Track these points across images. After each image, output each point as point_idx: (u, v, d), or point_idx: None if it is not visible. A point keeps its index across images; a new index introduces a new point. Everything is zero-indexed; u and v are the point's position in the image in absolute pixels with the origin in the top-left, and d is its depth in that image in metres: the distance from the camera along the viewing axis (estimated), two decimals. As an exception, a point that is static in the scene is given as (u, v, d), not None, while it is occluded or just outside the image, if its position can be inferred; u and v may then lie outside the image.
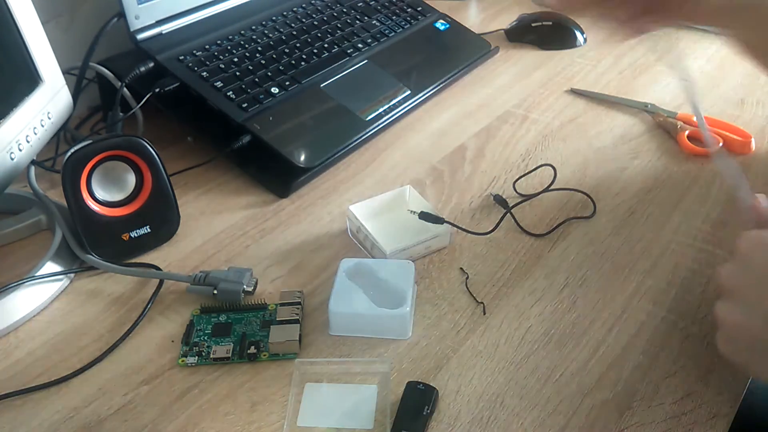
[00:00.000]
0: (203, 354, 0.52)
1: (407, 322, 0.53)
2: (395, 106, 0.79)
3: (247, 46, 0.80)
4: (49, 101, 0.62)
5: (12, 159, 0.56)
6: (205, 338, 0.53)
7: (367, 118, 0.77)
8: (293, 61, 0.80)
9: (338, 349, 0.53)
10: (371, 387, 0.49)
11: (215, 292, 0.56)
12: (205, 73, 0.74)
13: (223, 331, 0.54)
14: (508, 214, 0.64)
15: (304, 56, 0.81)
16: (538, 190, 0.68)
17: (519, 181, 0.69)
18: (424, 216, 0.61)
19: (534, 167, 0.70)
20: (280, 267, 0.61)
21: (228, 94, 0.73)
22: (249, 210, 0.68)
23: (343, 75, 0.81)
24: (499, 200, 0.66)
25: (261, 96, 0.74)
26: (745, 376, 0.50)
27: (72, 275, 0.60)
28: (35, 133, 0.59)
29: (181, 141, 0.76)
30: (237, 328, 0.54)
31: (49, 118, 0.62)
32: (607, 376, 0.50)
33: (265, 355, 0.52)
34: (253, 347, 0.52)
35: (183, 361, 0.52)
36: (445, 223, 0.61)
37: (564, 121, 0.80)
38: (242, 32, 0.82)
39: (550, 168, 0.69)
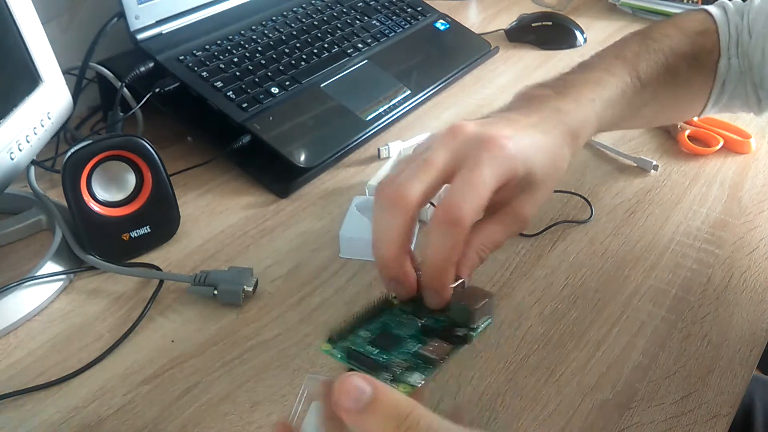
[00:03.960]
0: None
1: None
2: (395, 106, 0.79)
3: (247, 46, 0.80)
4: (49, 101, 0.62)
5: (12, 159, 0.56)
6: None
7: (367, 118, 0.77)
8: (293, 61, 0.80)
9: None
10: None
11: (215, 292, 0.56)
12: (205, 73, 0.74)
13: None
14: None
15: (304, 56, 0.81)
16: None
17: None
18: None
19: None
20: (280, 267, 0.61)
21: (228, 94, 0.73)
22: (249, 210, 0.68)
23: (343, 75, 0.81)
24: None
25: (261, 96, 0.74)
26: (746, 376, 0.50)
27: (72, 275, 0.60)
28: (35, 133, 0.59)
29: (181, 141, 0.76)
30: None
31: (49, 118, 0.61)
32: (607, 376, 0.50)
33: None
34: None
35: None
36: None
37: (564, 121, 0.80)
38: (242, 32, 0.82)
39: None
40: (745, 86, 0.60)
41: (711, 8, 0.61)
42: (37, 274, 0.58)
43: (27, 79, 0.60)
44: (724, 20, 0.60)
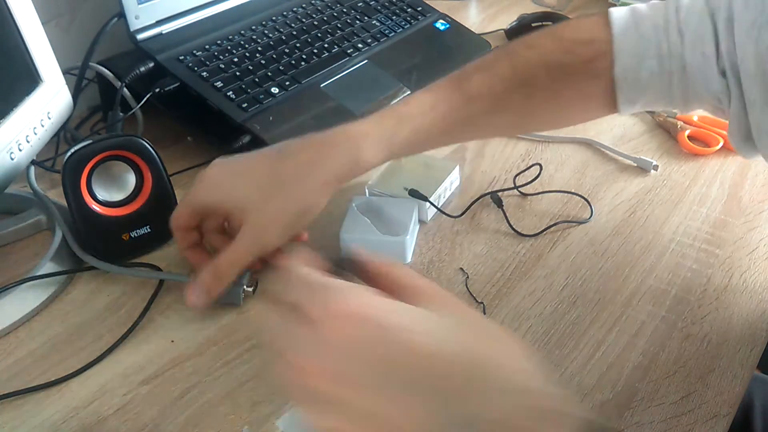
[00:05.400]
0: None
1: (406, 248, 0.61)
2: (395, 106, 0.79)
3: (247, 46, 0.80)
4: (49, 101, 0.62)
5: (12, 159, 0.56)
6: None
7: (367, 118, 0.76)
8: (293, 61, 0.80)
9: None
10: None
11: (215, 292, 0.56)
12: (205, 73, 0.74)
13: None
14: (505, 212, 0.65)
15: (304, 56, 0.81)
16: (538, 190, 0.68)
17: (518, 178, 0.69)
18: (412, 192, 0.64)
19: (530, 165, 0.70)
20: (280, 267, 0.61)
21: (228, 94, 0.73)
22: (249, 210, 0.68)
23: (343, 75, 0.81)
24: (496, 199, 0.66)
25: (261, 96, 0.74)
26: (746, 376, 0.50)
27: (72, 275, 0.60)
28: (35, 133, 0.59)
29: (181, 141, 0.76)
30: None
31: (49, 118, 0.62)
32: (607, 376, 0.50)
33: None
34: None
35: None
36: (427, 202, 0.64)
37: (564, 121, 0.80)
38: (242, 32, 0.82)
39: (544, 167, 0.69)
40: (669, 87, 0.54)
41: (615, 12, 0.54)
42: (37, 274, 0.58)
43: (27, 79, 0.60)
44: (628, 24, 0.54)
